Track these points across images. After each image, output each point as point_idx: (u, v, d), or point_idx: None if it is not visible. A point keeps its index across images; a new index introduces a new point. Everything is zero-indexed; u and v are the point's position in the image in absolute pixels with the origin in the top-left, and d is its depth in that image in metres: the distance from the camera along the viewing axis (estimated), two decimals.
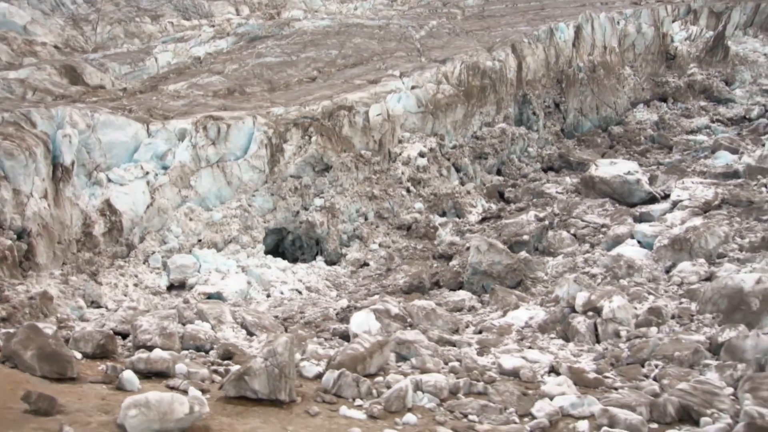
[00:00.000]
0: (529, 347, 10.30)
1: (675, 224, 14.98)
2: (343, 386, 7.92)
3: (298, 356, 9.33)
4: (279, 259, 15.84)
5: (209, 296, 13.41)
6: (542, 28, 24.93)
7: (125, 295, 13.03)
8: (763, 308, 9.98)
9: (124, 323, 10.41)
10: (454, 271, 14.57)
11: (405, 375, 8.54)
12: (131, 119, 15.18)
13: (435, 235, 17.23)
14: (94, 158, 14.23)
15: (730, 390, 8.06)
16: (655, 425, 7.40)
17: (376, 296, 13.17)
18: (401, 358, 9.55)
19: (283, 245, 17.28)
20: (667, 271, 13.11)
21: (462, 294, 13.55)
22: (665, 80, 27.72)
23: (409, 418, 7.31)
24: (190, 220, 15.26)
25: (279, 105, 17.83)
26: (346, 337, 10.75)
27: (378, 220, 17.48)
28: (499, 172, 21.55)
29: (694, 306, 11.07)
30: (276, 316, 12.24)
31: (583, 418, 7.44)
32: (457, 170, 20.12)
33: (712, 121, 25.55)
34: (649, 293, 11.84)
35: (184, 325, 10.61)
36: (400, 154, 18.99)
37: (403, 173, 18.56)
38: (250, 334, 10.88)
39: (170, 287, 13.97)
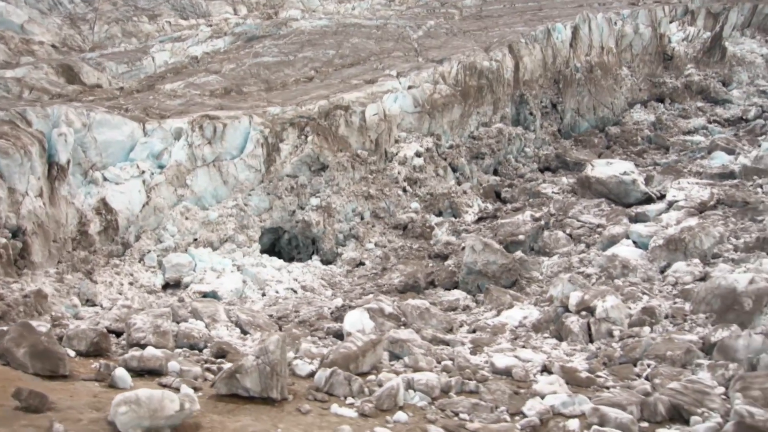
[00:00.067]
0: (523, 346, 10.33)
1: (670, 224, 15.00)
2: (335, 384, 7.94)
3: (291, 354, 9.36)
4: (275, 259, 15.86)
5: (204, 295, 13.41)
6: (539, 28, 24.97)
7: (120, 294, 13.04)
8: (756, 308, 10.02)
9: (119, 321, 10.41)
10: (450, 271, 14.60)
11: (397, 373, 8.56)
12: (127, 118, 15.20)
13: (431, 234, 17.26)
14: (89, 157, 14.24)
15: (722, 389, 8.09)
16: (645, 424, 7.42)
17: (371, 295, 13.18)
18: (394, 356, 9.57)
19: (280, 244, 17.30)
20: (662, 271, 13.14)
21: (457, 293, 13.57)
22: (662, 81, 27.75)
23: (400, 416, 7.33)
24: (186, 219, 15.28)
25: (276, 104, 17.85)
26: (340, 336, 10.77)
27: (374, 220, 17.51)
28: (495, 172, 21.58)
29: (687, 306, 11.09)
30: (270, 315, 12.26)
31: (574, 416, 7.45)
32: (454, 170, 20.15)
33: (709, 122, 25.59)
34: (644, 293, 11.87)
35: (178, 323, 10.61)
36: (397, 154, 19.02)
37: (399, 173, 18.58)
38: (244, 332, 10.90)
39: (165, 286, 13.98)
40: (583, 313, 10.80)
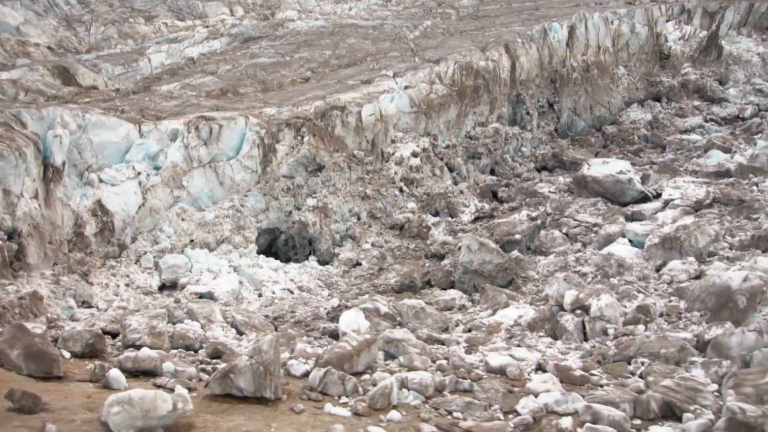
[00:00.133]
0: (518, 345, 10.34)
1: (666, 223, 15.05)
2: (329, 384, 7.95)
3: (286, 354, 9.37)
4: (271, 259, 15.86)
5: (201, 296, 13.43)
6: (536, 28, 24.99)
7: (116, 295, 13.05)
8: (750, 306, 10.04)
9: (114, 323, 10.44)
10: (446, 271, 14.61)
11: (392, 373, 8.57)
12: (123, 120, 15.22)
13: (428, 234, 17.26)
14: (85, 159, 14.25)
15: (715, 387, 8.11)
16: (638, 421, 7.43)
17: (367, 295, 13.19)
18: (389, 356, 9.58)
19: (276, 245, 17.30)
20: (658, 270, 13.17)
21: (453, 293, 13.59)
22: (659, 80, 27.79)
23: (394, 415, 7.34)
24: (183, 220, 15.29)
25: (272, 105, 17.87)
26: (335, 335, 10.77)
27: (371, 220, 17.52)
28: (492, 172, 21.59)
29: (682, 304, 11.11)
30: (266, 316, 12.28)
31: (567, 414, 7.46)
32: (450, 170, 20.16)
33: (706, 121, 25.63)
34: (639, 291, 11.88)
35: (174, 324, 10.64)
36: (393, 154, 19.03)
37: (395, 173, 18.59)
38: (240, 333, 10.92)
39: (162, 287, 14.00)
40: (578, 311, 10.82)
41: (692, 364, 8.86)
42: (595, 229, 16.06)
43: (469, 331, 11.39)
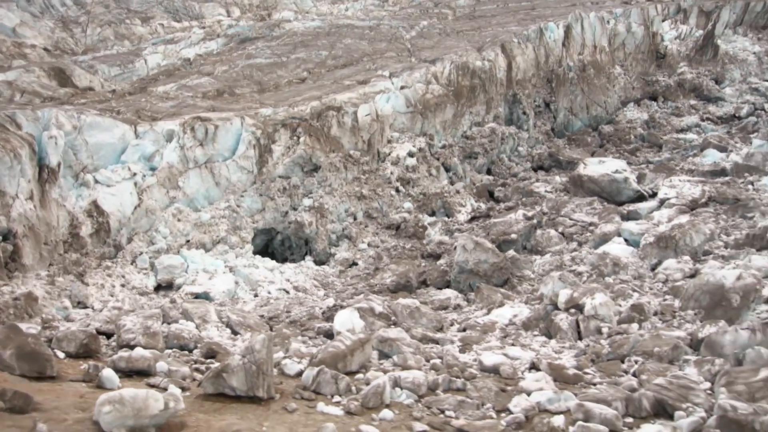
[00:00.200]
0: (512, 344, 10.35)
1: (662, 222, 15.06)
2: (322, 383, 7.97)
3: (281, 354, 9.38)
4: (267, 259, 15.87)
5: (196, 296, 13.43)
6: (532, 27, 25.02)
7: (112, 296, 13.05)
8: (744, 304, 10.06)
9: (109, 323, 10.43)
10: (442, 270, 14.62)
11: (385, 372, 8.58)
12: (118, 121, 15.22)
13: (424, 234, 17.28)
14: (81, 160, 14.26)
15: (707, 385, 8.12)
16: (630, 419, 7.45)
17: (362, 295, 13.20)
18: (384, 355, 9.59)
19: (273, 245, 17.31)
20: (653, 269, 13.18)
21: (448, 292, 13.59)
22: (655, 79, 27.83)
23: (386, 414, 7.35)
24: (178, 220, 15.29)
25: (268, 106, 17.88)
26: (330, 335, 10.77)
27: (367, 220, 17.53)
28: (488, 172, 21.61)
29: (677, 303, 11.12)
30: (261, 316, 12.28)
31: (559, 413, 7.48)
32: (447, 170, 20.18)
33: (702, 120, 25.68)
34: (634, 290, 11.89)
35: (169, 324, 10.64)
36: (389, 154, 19.04)
37: (392, 173, 18.61)
38: (235, 333, 10.92)
39: (158, 288, 14.00)
40: (572, 310, 10.82)
41: (686, 363, 8.87)
42: (591, 228, 16.07)
43: (464, 330, 11.40)
